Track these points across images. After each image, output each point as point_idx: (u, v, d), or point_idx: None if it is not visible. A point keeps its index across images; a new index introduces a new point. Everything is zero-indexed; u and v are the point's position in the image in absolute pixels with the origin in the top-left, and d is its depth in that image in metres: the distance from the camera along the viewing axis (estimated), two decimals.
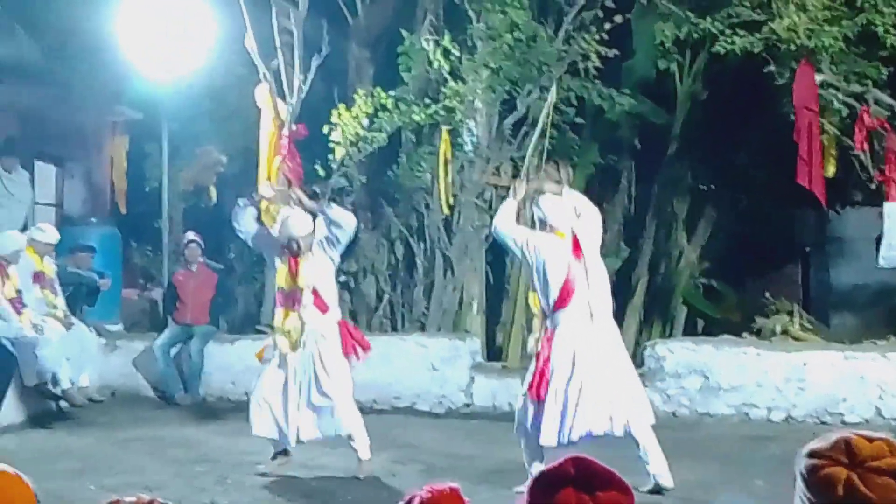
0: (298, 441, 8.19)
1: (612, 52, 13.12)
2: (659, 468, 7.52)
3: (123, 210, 15.27)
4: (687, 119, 14.63)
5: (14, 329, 10.33)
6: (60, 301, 11.27)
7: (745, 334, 12.01)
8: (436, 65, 13.03)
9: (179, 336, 12.25)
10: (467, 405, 11.60)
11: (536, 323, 7.75)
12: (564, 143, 13.84)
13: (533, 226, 7.73)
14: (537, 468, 7.29)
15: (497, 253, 14.33)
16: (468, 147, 13.26)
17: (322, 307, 8.12)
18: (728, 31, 12.34)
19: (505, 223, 7.71)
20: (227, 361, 12.17)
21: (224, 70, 13.39)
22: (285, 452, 8.35)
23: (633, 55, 14.26)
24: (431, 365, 11.67)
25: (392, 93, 13.08)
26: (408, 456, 8.78)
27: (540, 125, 8.87)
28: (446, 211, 13.26)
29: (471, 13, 13.05)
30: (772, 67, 12.14)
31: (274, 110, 12.69)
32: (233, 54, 12.81)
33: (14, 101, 13.49)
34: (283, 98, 12.76)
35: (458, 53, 12.90)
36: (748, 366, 10.83)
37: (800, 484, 2.12)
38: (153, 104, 13.60)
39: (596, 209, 7.94)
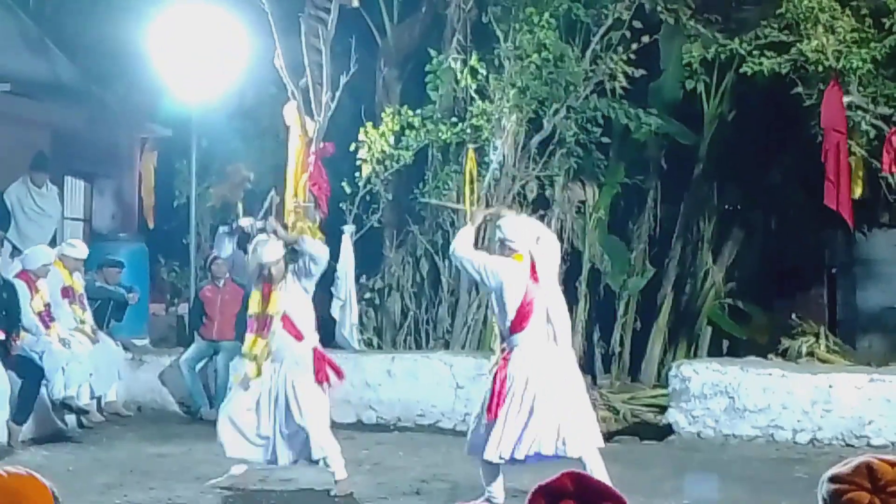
0: (271, 463, 8.29)
1: (639, 72, 13.16)
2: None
3: (151, 226, 15.38)
4: (714, 139, 14.62)
5: (42, 343, 10.42)
6: (88, 316, 11.37)
7: (771, 356, 11.97)
8: (463, 84, 13.10)
9: (206, 351, 12.31)
10: None
11: (495, 345, 7.84)
12: (591, 163, 13.88)
13: (491, 250, 7.79)
14: (497, 488, 7.56)
15: None
16: (494, 165, 13.30)
17: (296, 335, 8.21)
18: (756, 52, 12.35)
19: (462, 248, 7.76)
20: None
21: (253, 88, 13.51)
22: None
23: (661, 75, 14.27)
24: (456, 383, 11.67)
25: (419, 111, 13.15)
26: (433, 474, 8.79)
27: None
28: None
29: (498, 33, 13.12)
30: (800, 89, 12.13)
31: (302, 128, 12.79)
32: (262, 72, 12.93)
33: (47, 117, 13.64)
34: (312, 116, 12.86)
35: (485, 72, 12.97)
36: (774, 387, 10.78)
37: None
38: (183, 121, 13.71)
39: (555, 237, 8.13)
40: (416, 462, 8.22)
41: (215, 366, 12.20)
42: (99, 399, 11.44)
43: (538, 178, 13.59)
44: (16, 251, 11.95)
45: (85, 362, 10.81)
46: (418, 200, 13.65)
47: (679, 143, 14.71)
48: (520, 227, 7.70)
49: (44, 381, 10.23)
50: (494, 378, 7.52)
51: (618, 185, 14.57)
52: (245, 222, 8.53)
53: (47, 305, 10.67)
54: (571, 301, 14.55)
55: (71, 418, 10.87)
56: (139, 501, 7.90)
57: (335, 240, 12.96)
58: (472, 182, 13.05)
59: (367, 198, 13.44)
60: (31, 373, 10.06)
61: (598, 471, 7.40)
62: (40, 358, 10.29)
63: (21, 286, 10.41)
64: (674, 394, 11.06)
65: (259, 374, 8.15)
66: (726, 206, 15.21)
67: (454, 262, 7.97)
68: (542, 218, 13.81)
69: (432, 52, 13.38)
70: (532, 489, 2.19)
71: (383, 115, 13.20)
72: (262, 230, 8.54)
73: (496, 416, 7.39)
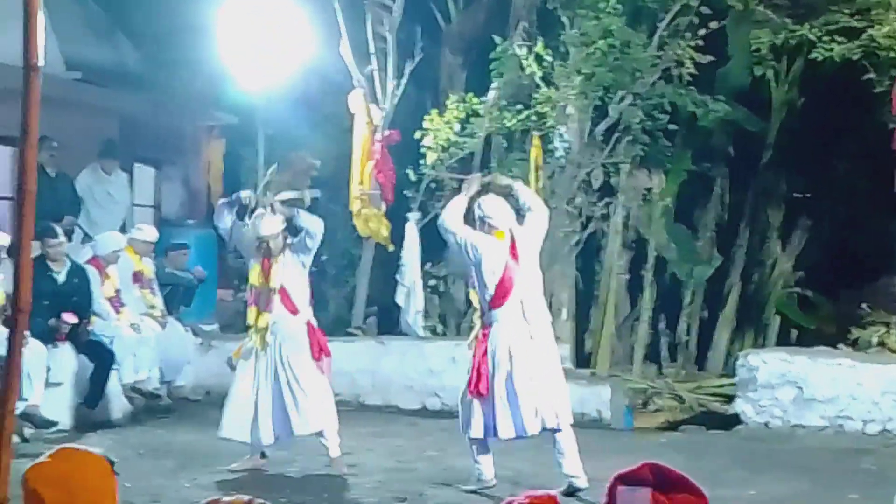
0: (258, 441, 8.41)
1: (706, 59, 13.02)
2: (575, 469, 7.68)
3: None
4: (782, 126, 14.44)
5: (113, 328, 10.60)
6: (158, 301, 11.53)
7: (840, 346, 11.81)
8: (528, 70, 13.05)
9: None
10: None
11: (476, 320, 7.97)
12: (657, 150, 13.77)
13: (474, 225, 7.89)
14: (485, 462, 7.80)
15: (587, 259, 14.31)
16: (559, 153, 13.25)
17: (292, 308, 8.40)
18: (826, 38, 12.18)
19: (451, 218, 7.86)
20: None
21: (319, 76, 13.57)
22: (263, 455, 8.60)
23: (729, 61, 14.11)
24: None
25: (484, 98, 13.13)
26: (497, 462, 8.79)
27: None
28: None
29: (564, 19, 13.05)
30: (870, 75, 11.95)
31: (367, 116, 12.85)
32: (328, 60, 12.99)
33: (115, 105, 13.83)
34: (377, 103, 12.91)
35: (550, 59, 12.91)
36: (843, 378, 10.64)
37: None
38: (249, 109, 13.82)
39: (545, 208, 8.27)
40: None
41: None
42: (168, 383, 11.60)
43: (603, 165, 13.50)
44: (86, 237, 12.15)
45: (154, 347, 10.98)
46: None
47: (747, 131, 14.55)
48: (499, 206, 7.82)
49: (114, 366, 10.39)
50: (474, 354, 7.69)
51: (684, 173, 14.44)
52: (245, 194, 8.67)
53: (118, 291, 10.84)
54: (637, 290, 14.51)
55: (140, 402, 11.03)
56: (206, 485, 8.00)
57: (400, 227, 13.02)
58: (536, 170, 13.01)
59: (432, 185, 13.46)
60: (101, 357, 10.23)
61: (570, 449, 7.71)
62: (111, 343, 10.46)
63: (92, 272, 10.58)
64: (741, 383, 10.96)
65: (264, 346, 8.31)
66: (795, 194, 15.02)
67: (439, 230, 8.02)
68: (607, 206, 13.77)
69: (497, 39, 13.34)
70: (611, 477, 2.22)
71: (448, 102, 13.20)
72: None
73: (478, 391, 7.58)
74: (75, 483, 2.36)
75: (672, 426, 12.05)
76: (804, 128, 14.33)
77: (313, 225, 8.38)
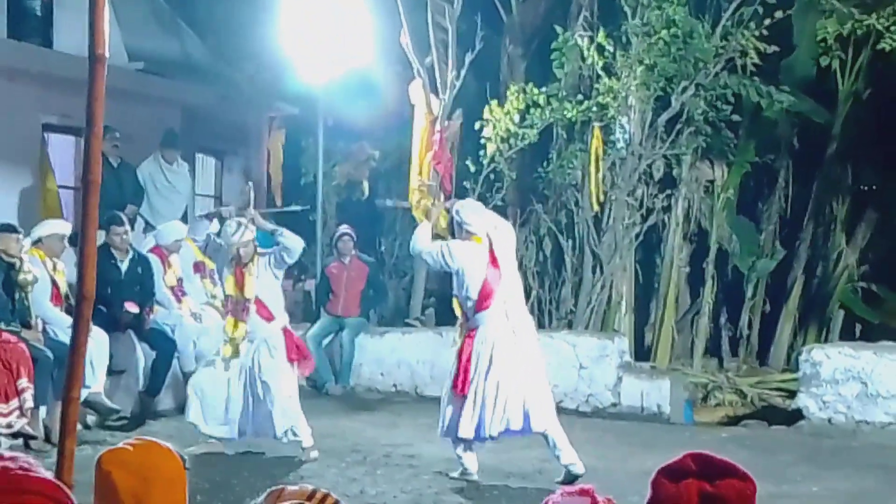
0: (241, 435, 8.62)
1: (771, 49, 12.84)
2: (571, 458, 7.83)
3: (279, 202, 15.62)
4: (848, 117, 14.20)
5: (174, 316, 10.68)
6: (219, 291, 11.57)
7: None
8: (589, 61, 12.97)
9: (331, 327, 12.47)
10: (614, 405, 11.50)
11: (459, 326, 8.16)
12: (720, 142, 13.62)
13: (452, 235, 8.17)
14: (469, 458, 8.01)
15: (647, 251, 14.20)
16: (620, 144, 13.15)
17: (267, 316, 8.61)
18: (893, 28, 11.96)
19: (421, 242, 8.13)
20: (377, 353, 12.35)
21: (379, 66, 13.58)
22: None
23: (794, 52, 13.90)
24: (579, 363, 11.61)
25: (544, 89, 13.06)
26: (555, 455, 8.75)
27: None
28: (596, 208, 13.18)
29: (626, 9, 12.94)
30: None
31: (427, 106, 12.83)
32: (388, 51, 12.99)
33: (177, 96, 13.94)
34: (437, 94, 12.89)
35: (612, 49, 12.81)
36: None
37: None
38: (310, 100, 13.87)
39: (510, 225, 8.58)
40: (538, 441, 8.20)
41: (341, 341, 12.37)
42: None
43: (665, 156, 13.38)
44: (148, 227, 12.27)
45: (215, 336, 11.04)
46: (541, 178, 13.60)
47: (812, 122, 14.34)
48: (476, 211, 8.09)
49: (176, 354, 10.48)
50: (460, 355, 7.89)
51: (747, 165, 14.26)
52: (224, 211, 8.86)
53: (179, 280, 10.92)
54: (698, 283, 14.37)
55: None
56: (265, 473, 8.04)
57: None
58: (597, 161, 12.93)
59: (491, 176, 13.42)
60: (163, 346, 10.32)
61: (562, 442, 7.85)
62: (172, 331, 10.54)
63: (154, 261, 10.67)
64: (804, 378, 10.81)
65: (236, 354, 8.54)
66: (860, 187, 14.77)
67: (415, 257, 8.32)
68: (668, 197, 13.65)
69: (558, 29, 13.27)
70: (655, 470, 2.21)
71: (508, 93, 13.15)
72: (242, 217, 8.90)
73: (464, 392, 7.77)
74: (151, 473, 2.36)
75: (733, 421, 11.92)
76: (871, 119, 14.10)
77: (293, 243, 8.61)
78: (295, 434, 8.61)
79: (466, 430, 7.86)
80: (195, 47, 15.03)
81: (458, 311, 8.25)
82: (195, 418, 8.68)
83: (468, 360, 7.85)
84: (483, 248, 7.88)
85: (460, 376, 7.84)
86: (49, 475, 1.93)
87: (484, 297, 7.83)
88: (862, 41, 13.28)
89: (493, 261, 7.88)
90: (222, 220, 9.03)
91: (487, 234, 7.94)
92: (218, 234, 9.00)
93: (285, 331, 8.71)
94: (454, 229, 8.12)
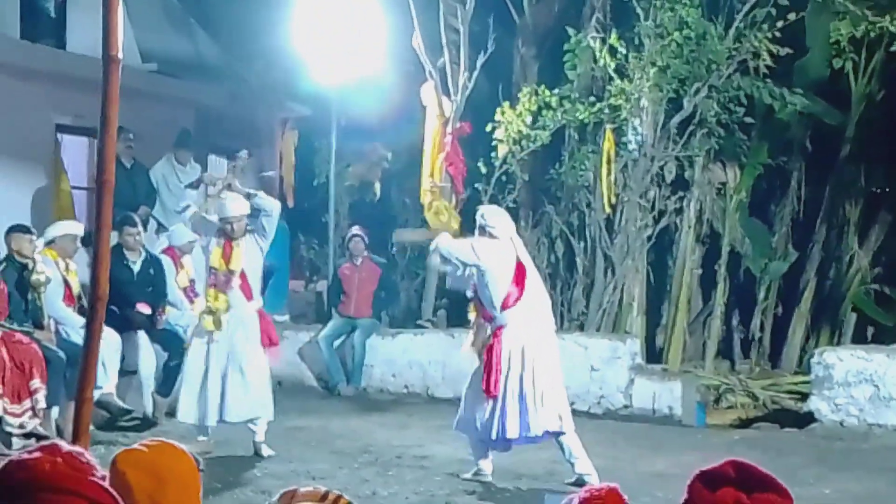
0: (221, 421, 8.57)
1: (784, 51, 12.81)
2: (586, 468, 7.87)
3: (291, 204, 15.64)
4: (861, 120, 14.16)
5: (187, 317, 10.69)
6: None
7: None
8: (602, 63, 12.95)
9: (343, 328, 12.49)
10: (626, 407, 11.49)
11: (474, 328, 8.19)
12: (733, 143, 13.60)
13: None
14: (486, 464, 8.00)
15: (659, 253, 14.17)
16: (632, 146, 13.13)
17: (248, 294, 8.61)
18: None
19: (447, 244, 8.23)
20: (388, 354, 12.37)
21: (392, 68, 13.60)
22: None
23: (807, 53, 13.86)
24: (591, 365, 11.60)
25: (556, 90, 13.06)
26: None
27: None
28: (608, 210, 13.17)
29: (639, 10, 12.92)
30: None
31: (439, 108, 12.85)
32: (400, 52, 13.01)
33: (191, 96, 13.98)
34: (449, 96, 12.90)
35: (624, 51, 12.79)
36: None
37: None
38: (322, 101, 13.89)
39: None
40: (550, 443, 8.20)
41: (352, 342, 12.38)
42: None
43: (677, 158, 13.35)
44: (161, 228, 12.30)
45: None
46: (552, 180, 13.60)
47: (825, 124, 14.30)
48: (501, 215, 8.20)
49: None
50: (489, 354, 7.81)
51: (760, 167, 14.22)
52: (207, 177, 8.88)
53: (192, 281, 10.93)
54: (710, 285, 14.35)
55: None
56: (278, 473, 8.06)
57: (470, 220, 12.98)
58: (609, 163, 12.92)
59: (503, 178, 13.42)
60: (175, 346, 10.33)
61: (577, 448, 7.90)
62: (185, 332, 10.56)
63: (167, 262, 10.70)
64: (816, 381, 10.78)
65: (219, 326, 8.46)
66: (874, 189, 14.72)
67: (441, 255, 8.24)
68: (680, 199, 13.62)
69: (570, 31, 13.26)
70: (693, 475, 2.17)
71: (520, 94, 13.15)
72: (229, 185, 8.99)
73: (493, 393, 7.73)
74: (166, 474, 2.38)
75: (744, 423, 11.90)
76: (884, 121, 14.05)
77: (270, 204, 8.69)
78: (255, 424, 8.62)
79: (513, 430, 7.79)
80: (208, 48, 15.07)
81: (473, 316, 8.26)
82: (185, 415, 8.62)
83: (499, 360, 7.78)
84: (511, 248, 7.96)
85: (492, 377, 7.76)
86: (103, 474, 1.94)
87: (511, 295, 7.83)
88: (875, 43, 13.24)
89: (518, 262, 7.94)
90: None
91: (511, 238, 8.05)
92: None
93: (260, 313, 8.75)
94: (478, 234, 8.13)
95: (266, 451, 8.69)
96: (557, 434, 7.91)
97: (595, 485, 2.43)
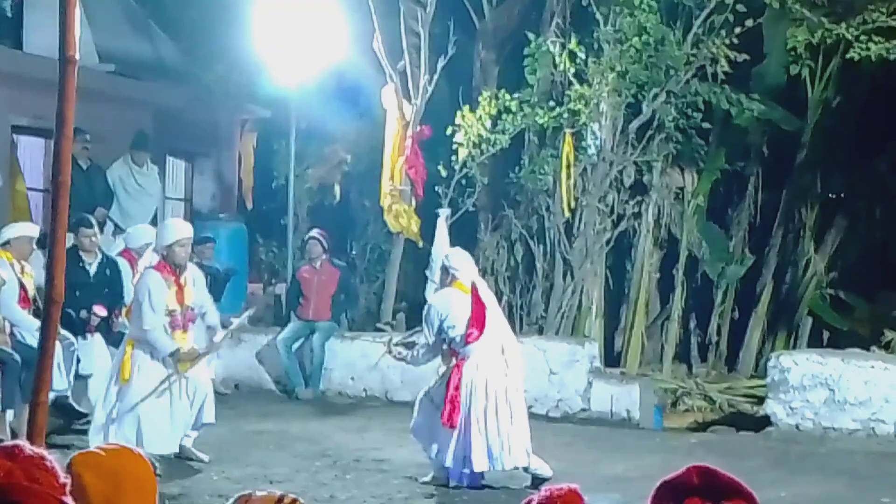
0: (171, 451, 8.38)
1: (741, 57, 12.91)
2: (537, 463, 8.05)
3: (250, 206, 15.58)
4: (818, 125, 14.30)
5: None
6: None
7: (873, 348, 11.70)
8: (561, 67, 13.01)
9: (302, 331, 12.44)
10: (584, 410, 11.53)
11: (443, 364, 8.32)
12: (691, 149, 13.70)
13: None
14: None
15: (618, 257, 14.25)
16: (592, 150, 13.19)
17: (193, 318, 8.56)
18: (863, 38, 12.07)
19: (421, 360, 8.49)
20: (348, 358, 12.33)
21: (352, 71, 13.58)
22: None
23: (764, 60, 13.99)
24: (549, 369, 11.63)
25: (517, 95, 13.09)
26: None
27: None
28: (567, 214, 13.21)
29: (598, 16, 12.98)
30: None
31: (399, 111, 12.83)
32: (361, 56, 12.98)
33: (149, 98, 13.88)
34: (409, 99, 12.90)
35: (584, 56, 12.85)
36: (876, 380, 10.53)
37: None
38: (282, 103, 13.84)
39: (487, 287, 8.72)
40: None
41: (311, 345, 12.34)
42: None
43: (636, 163, 13.43)
44: (118, 229, 12.20)
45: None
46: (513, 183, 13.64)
47: (782, 129, 14.43)
48: (465, 259, 8.46)
49: None
50: (448, 384, 7.98)
51: (718, 172, 14.34)
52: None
53: None
54: (668, 289, 14.44)
55: None
56: (236, 478, 8.02)
57: (430, 223, 13.00)
58: (568, 167, 12.96)
59: (463, 181, 13.43)
60: None
61: (534, 460, 8.02)
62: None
63: (124, 264, 10.60)
64: (772, 385, 10.87)
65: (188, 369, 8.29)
66: (830, 194, 14.88)
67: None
68: (639, 204, 13.70)
69: (531, 36, 13.29)
70: (656, 486, 2.11)
71: (480, 98, 13.17)
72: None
73: (454, 424, 7.88)
74: (123, 478, 2.36)
75: (701, 427, 11.98)
76: (840, 127, 14.20)
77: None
78: (197, 430, 8.53)
79: (481, 463, 7.93)
80: (167, 50, 14.97)
81: (442, 360, 8.34)
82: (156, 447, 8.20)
83: (457, 390, 7.93)
84: (464, 295, 8.14)
85: (447, 407, 7.91)
86: (64, 482, 1.91)
87: (474, 329, 8.02)
88: (832, 50, 13.38)
89: (478, 301, 8.12)
90: None
91: (473, 281, 8.25)
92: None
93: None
94: (441, 275, 8.46)
95: (200, 455, 8.54)
96: (525, 468, 8.03)
97: (555, 486, 2.39)
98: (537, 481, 7.81)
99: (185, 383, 8.34)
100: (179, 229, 8.54)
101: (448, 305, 8.16)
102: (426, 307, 8.40)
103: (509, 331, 8.48)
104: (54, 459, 1.94)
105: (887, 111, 13.33)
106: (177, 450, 8.41)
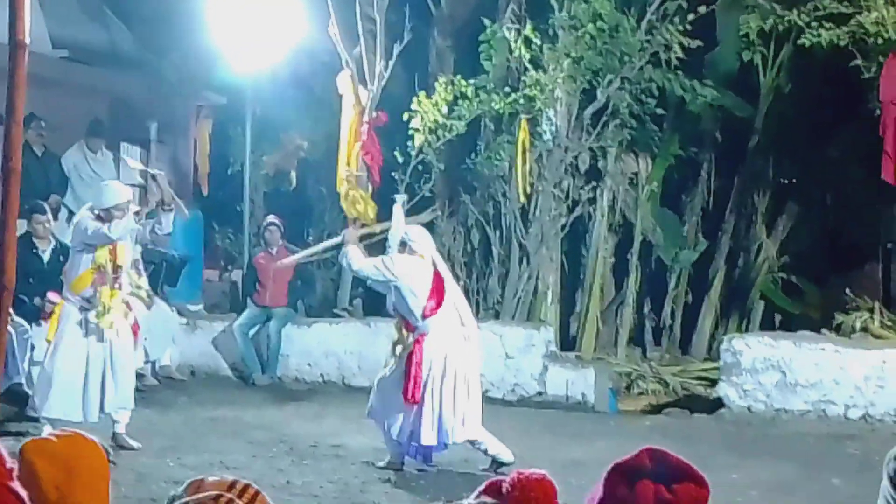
0: (102, 412, 8.37)
1: (695, 44, 13.01)
2: (498, 449, 8.13)
3: (206, 193, 15.51)
4: (770, 112, 14.43)
5: None
6: (144, 281, 11.46)
7: (824, 331, 11.86)
8: (517, 54, 13.04)
9: (258, 318, 12.43)
10: (540, 394, 11.63)
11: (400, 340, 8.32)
12: (645, 135, 13.78)
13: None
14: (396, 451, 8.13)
15: (573, 243, 14.32)
16: (547, 136, 13.24)
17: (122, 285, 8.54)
18: (814, 24, 12.17)
19: (357, 261, 8.42)
20: (304, 344, 12.34)
21: (307, 57, 13.54)
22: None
23: (717, 46, 14.10)
24: (505, 353, 11.72)
25: (472, 81, 13.12)
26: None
27: None
28: (523, 200, 13.27)
29: (553, 2, 13.02)
30: (858, 61, 11.95)
31: (355, 97, 12.81)
32: (316, 41, 12.94)
33: (104, 84, 13.78)
34: (365, 85, 12.88)
35: (539, 42, 12.89)
36: (826, 363, 10.70)
37: (886, 485, 2.12)
38: (238, 89, 13.79)
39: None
40: None
41: (268, 332, 12.33)
42: (153, 363, 11.60)
43: (591, 149, 13.50)
44: (72, 216, 12.11)
45: (142, 327, 10.94)
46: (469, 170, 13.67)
47: (734, 116, 14.55)
48: (424, 235, 8.58)
49: None
50: (409, 361, 8.01)
51: (671, 158, 14.44)
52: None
53: None
54: (622, 273, 14.54)
55: None
56: (192, 464, 8.01)
57: (386, 209, 13.01)
58: (524, 153, 13.01)
59: (420, 167, 13.45)
60: None
61: (486, 438, 8.11)
62: None
63: None
64: (725, 367, 11.01)
65: (112, 325, 8.28)
66: (781, 180, 15.03)
67: (356, 276, 8.80)
68: (594, 189, 13.78)
69: (486, 22, 13.32)
70: (608, 468, 2.13)
71: (436, 84, 13.18)
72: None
73: (416, 400, 7.92)
74: (75, 464, 2.37)
75: (656, 410, 12.10)
76: (792, 114, 14.33)
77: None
78: (118, 413, 8.46)
79: (428, 437, 7.98)
80: (122, 36, 14.85)
81: (396, 334, 8.37)
82: (56, 410, 8.25)
83: (419, 368, 7.97)
84: (427, 264, 8.21)
85: (410, 383, 7.94)
86: (11, 467, 1.90)
87: (431, 305, 8.06)
88: (784, 36, 13.49)
89: (437, 275, 8.18)
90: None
91: (432, 256, 8.31)
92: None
93: (127, 303, 8.66)
94: (400, 248, 8.47)
95: (132, 443, 8.49)
96: (474, 442, 8.12)
97: (526, 470, 2.41)
98: (497, 465, 7.87)
99: (107, 355, 8.28)
100: (119, 193, 8.45)
101: (412, 268, 8.18)
102: (384, 260, 8.39)
103: (466, 303, 8.54)
104: (2, 446, 1.94)
105: (839, 98, 13.48)
106: (81, 419, 8.16)
